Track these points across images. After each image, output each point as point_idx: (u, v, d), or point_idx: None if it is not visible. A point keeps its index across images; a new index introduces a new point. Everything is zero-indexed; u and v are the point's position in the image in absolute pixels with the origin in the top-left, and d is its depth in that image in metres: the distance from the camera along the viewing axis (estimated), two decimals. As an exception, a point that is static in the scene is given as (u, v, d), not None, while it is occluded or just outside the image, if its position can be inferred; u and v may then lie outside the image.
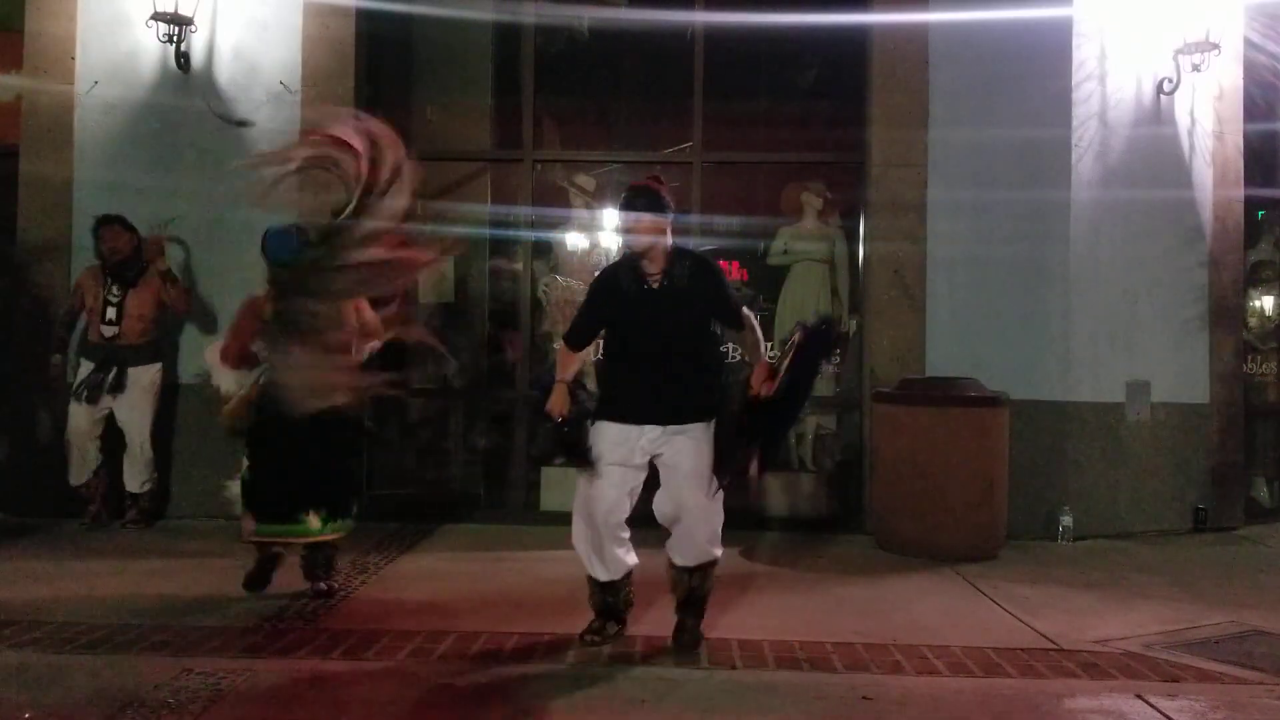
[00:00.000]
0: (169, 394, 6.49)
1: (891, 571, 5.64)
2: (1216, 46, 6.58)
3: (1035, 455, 6.47)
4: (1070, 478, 6.55)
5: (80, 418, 6.22)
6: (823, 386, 7.31)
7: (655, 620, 4.42)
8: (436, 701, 3.54)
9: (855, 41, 6.77)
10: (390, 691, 3.58)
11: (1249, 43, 6.99)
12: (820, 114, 7.64)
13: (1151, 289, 6.76)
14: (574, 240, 7.50)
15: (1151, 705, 3.59)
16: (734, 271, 9.42)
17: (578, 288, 7.32)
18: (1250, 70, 7.05)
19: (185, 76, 6.61)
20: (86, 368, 6.24)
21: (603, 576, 4.14)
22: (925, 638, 4.32)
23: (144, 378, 6.31)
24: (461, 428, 7.57)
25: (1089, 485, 6.60)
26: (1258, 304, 7.88)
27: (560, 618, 4.40)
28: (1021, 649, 4.21)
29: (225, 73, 6.66)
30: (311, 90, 6.66)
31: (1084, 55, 6.58)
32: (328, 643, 4.09)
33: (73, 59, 6.66)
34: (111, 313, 6.25)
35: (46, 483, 6.43)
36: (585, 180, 7.47)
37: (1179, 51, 6.63)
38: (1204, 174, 6.88)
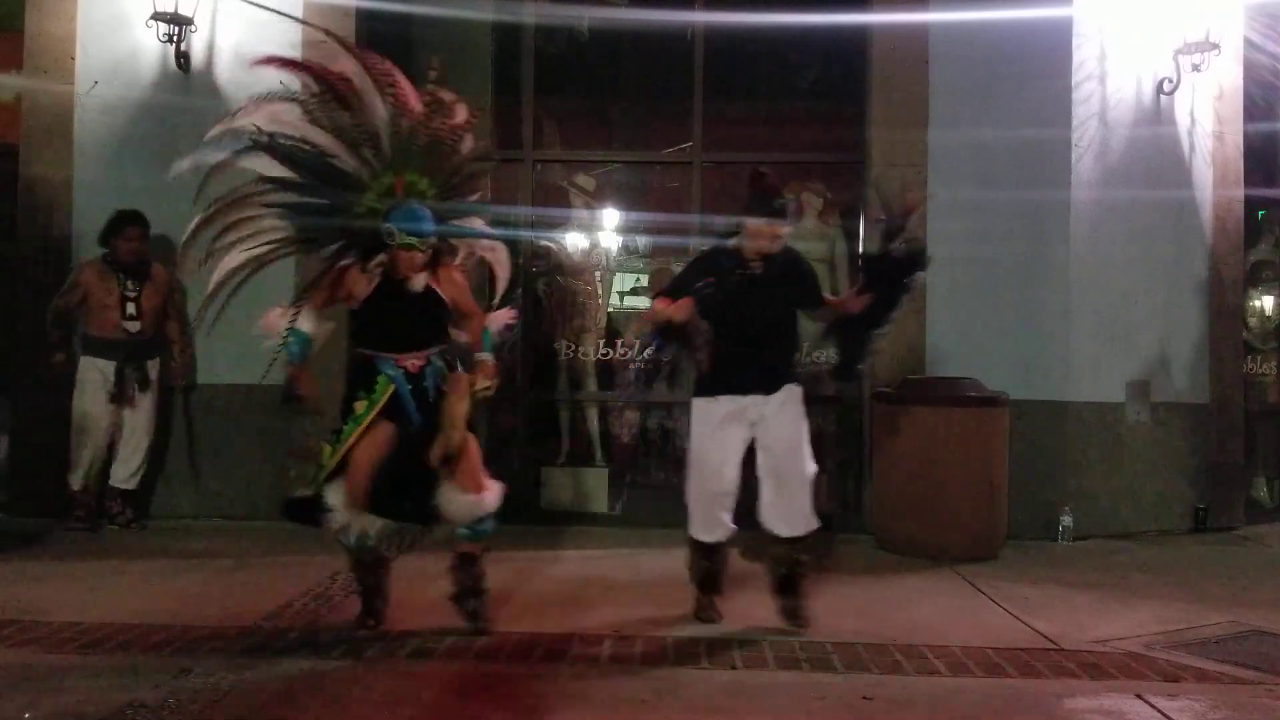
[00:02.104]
0: (165, 390, 6.48)
1: (891, 571, 5.64)
2: (1216, 46, 6.58)
3: (1035, 455, 6.47)
4: (1070, 478, 6.55)
5: (103, 418, 6.14)
6: (823, 387, 7.31)
7: (655, 620, 4.43)
8: (436, 702, 3.53)
9: (855, 41, 6.77)
10: (390, 692, 3.58)
11: (1249, 43, 6.99)
12: (820, 114, 7.64)
13: (1151, 289, 6.76)
14: (574, 240, 7.50)
15: (1151, 705, 3.59)
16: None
17: (578, 287, 7.33)
18: (1250, 70, 7.05)
19: (185, 76, 6.60)
20: (105, 366, 6.13)
21: (703, 537, 4.43)
22: (925, 638, 4.32)
23: (153, 373, 6.29)
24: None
25: (1089, 485, 6.60)
26: (1258, 304, 7.88)
27: (561, 617, 4.40)
28: (1021, 649, 4.21)
29: (225, 73, 6.66)
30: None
31: (1084, 55, 6.58)
32: (328, 643, 4.09)
33: (73, 59, 6.66)
34: (132, 308, 6.18)
35: (47, 484, 6.39)
36: (585, 180, 7.47)
37: (1179, 51, 6.63)
38: (1204, 174, 6.88)
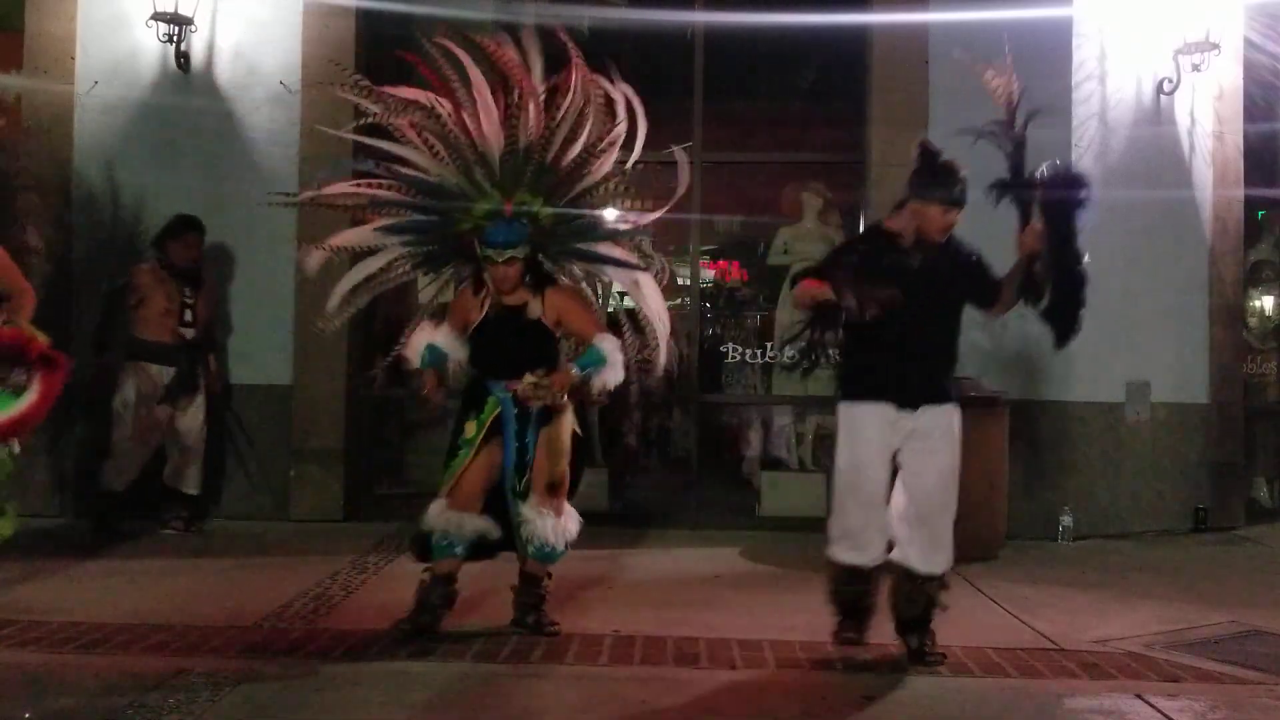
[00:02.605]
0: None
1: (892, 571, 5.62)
2: (1216, 46, 6.58)
3: (1035, 455, 6.47)
4: (1070, 478, 6.54)
5: (148, 422, 6.03)
6: (823, 387, 7.31)
7: (651, 620, 4.43)
8: (436, 702, 3.53)
9: (855, 41, 6.77)
10: (390, 692, 3.58)
11: (1249, 43, 6.99)
12: (820, 114, 7.64)
13: (1151, 289, 6.75)
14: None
15: (1151, 705, 3.58)
16: (734, 271, 9.46)
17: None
18: (1250, 70, 7.05)
19: (185, 76, 6.61)
20: (158, 371, 6.03)
21: (849, 559, 3.97)
22: (925, 638, 4.31)
23: (203, 378, 6.22)
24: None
25: (1089, 485, 6.60)
26: (1258, 304, 7.88)
27: (560, 617, 4.39)
28: (1021, 649, 4.21)
29: (225, 73, 6.66)
30: (312, 90, 6.66)
31: (1084, 55, 6.58)
32: (328, 643, 4.09)
33: (73, 59, 6.66)
34: (189, 314, 6.11)
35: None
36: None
37: (1179, 51, 6.63)
38: (1204, 174, 6.88)
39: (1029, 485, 6.41)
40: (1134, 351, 6.71)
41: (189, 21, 6.51)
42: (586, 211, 4.31)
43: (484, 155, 4.13)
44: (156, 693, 3.47)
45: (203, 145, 6.62)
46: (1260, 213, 7.73)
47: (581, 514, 4.28)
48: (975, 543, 5.91)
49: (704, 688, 3.71)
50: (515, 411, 4.16)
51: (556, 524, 4.13)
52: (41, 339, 4.30)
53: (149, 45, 6.57)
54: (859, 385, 3.98)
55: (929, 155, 4.07)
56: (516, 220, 4.14)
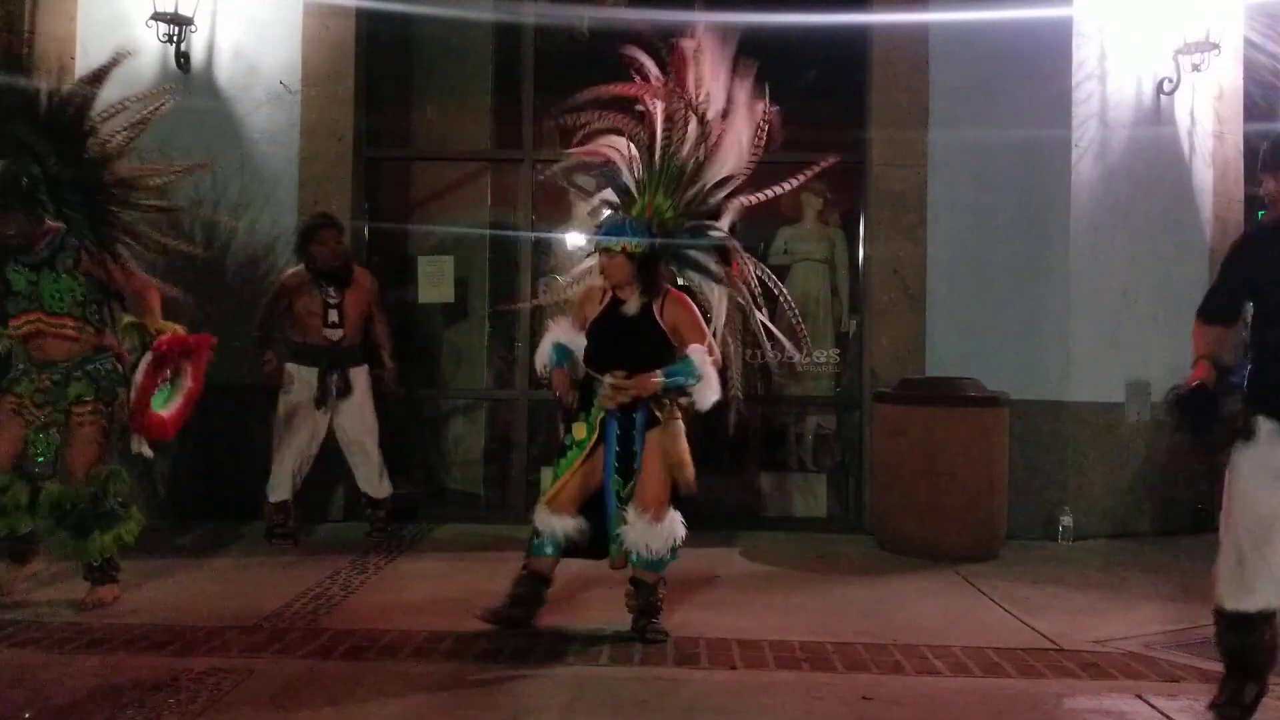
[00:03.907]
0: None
1: (892, 571, 5.64)
2: (1216, 46, 6.58)
3: (1035, 455, 6.47)
4: (1070, 478, 6.54)
5: (305, 424, 5.99)
6: (823, 386, 7.33)
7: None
8: (437, 702, 3.53)
9: (855, 41, 6.77)
10: (390, 692, 3.58)
11: (1249, 43, 6.99)
12: (820, 114, 7.63)
13: (1151, 289, 6.75)
14: (574, 240, 7.49)
15: (1151, 705, 3.59)
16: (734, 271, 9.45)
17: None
18: (1250, 70, 7.05)
19: (185, 76, 6.60)
20: (309, 373, 5.98)
21: (1225, 604, 3.34)
22: (925, 638, 4.32)
23: (361, 379, 6.10)
24: (462, 427, 7.57)
25: (1089, 485, 6.60)
26: (1258, 304, 7.86)
27: (560, 618, 4.40)
28: (1021, 649, 4.21)
29: (225, 73, 6.66)
30: (311, 90, 6.67)
31: (1084, 55, 6.58)
32: (328, 643, 4.09)
33: (73, 59, 6.65)
34: (334, 315, 6.00)
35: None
36: (585, 180, 7.45)
37: (1179, 51, 6.63)
38: (1204, 174, 6.88)
39: (1029, 485, 6.41)
40: (1134, 351, 6.70)
41: (189, 21, 6.52)
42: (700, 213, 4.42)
43: (651, 162, 4.36)
44: (156, 693, 3.48)
45: (203, 145, 6.60)
46: (1260, 213, 7.71)
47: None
48: (975, 543, 5.93)
49: (704, 688, 3.71)
50: (618, 416, 4.17)
51: (657, 531, 4.10)
52: (181, 329, 4.44)
53: (149, 45, 6.57)
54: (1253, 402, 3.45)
55: None
56: (633, 220, 4.24)
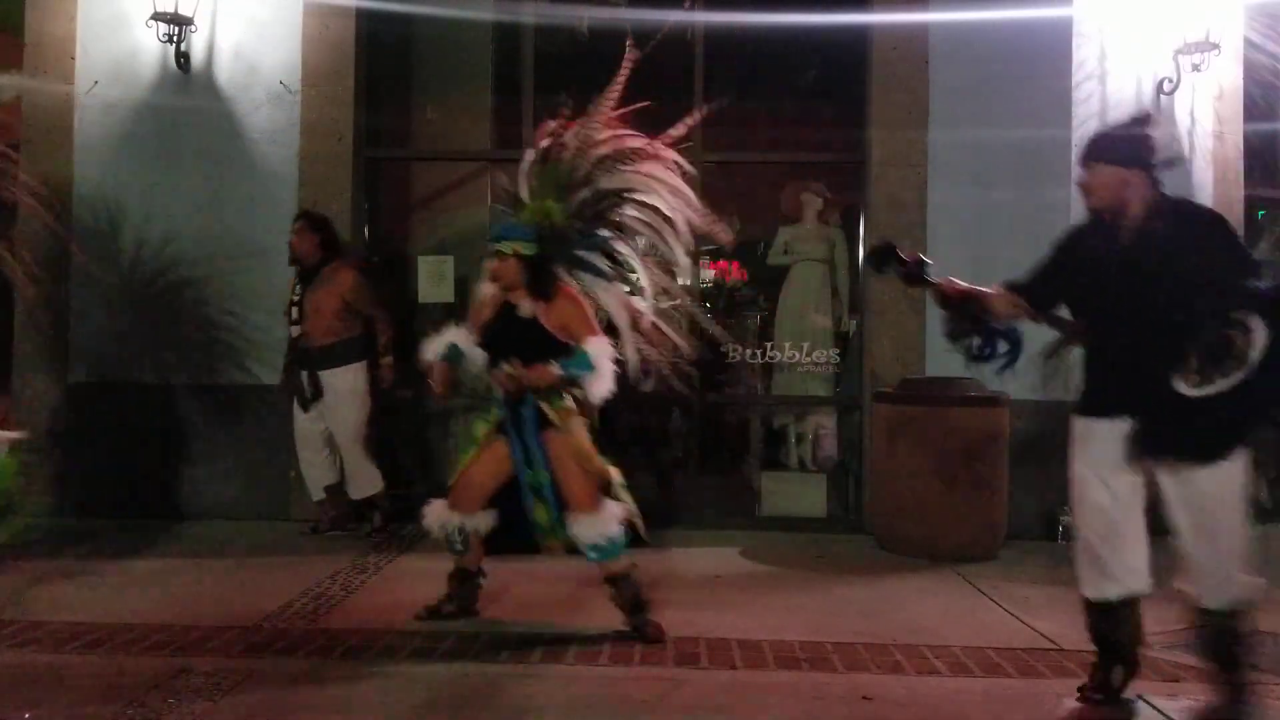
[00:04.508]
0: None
1: (891, 571, 5.64)
2: (1216, 46, 6.58)
3: (1035, 455, 6.46)
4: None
5: (300, 426, 6.13)
6: (823, 387, 7.32)
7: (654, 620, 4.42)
8: (437, 702, 3.53)
9: (855, 41, 6.76)
10: (390, 692, 3.58)
11: (1249, 43, 6.98)
12: (820, 114, 7.64)
13: (1151, 289, 6.75)
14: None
15: (1151, 705, 3.59)
16: (734, 271, 9.45)
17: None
18: (1250, 70, 7.04)
19: (185, 76, 6.61)
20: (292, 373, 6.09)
21: (1085, 593, 3.58)
22: (925, 638, 4.32)
23: (335, 381, 5.99)
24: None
25: (1089, 485, 6.58)
26: (1258, 304, 7.85)
27: (560, 618, 4.40)
28: (1021, 649, 4.21)
29: (225, 73, 6.66)
30: (311, 90, 6.67)
31: (1084, 55, 6.59)
32: (328, 643, 4.09)
33: (73, 59, 6.66)
34: (295, 311, 6.04)
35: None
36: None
37: (1179, 51, 6.63)
38: (1204, 174, 6.87)
39: (1029, 485, 6.40)
40: (1134, 351, 6.70)
41: (189, 21, 6.52)
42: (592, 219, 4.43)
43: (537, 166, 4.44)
44: (156, 693, 3.48)
45: (203, 145, 6.62)
46: (1260, 212, 7.72)
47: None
48: (975, 543, 5.93)
49: (704, 687, 3.71)
50: (508, 413, 4.24)
51: (594, 521, 4.16)
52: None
53: (149, 45, 6.58)
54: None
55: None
56: (520, 223, 4.29)
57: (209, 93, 6.63)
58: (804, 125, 7.77)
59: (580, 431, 4.27)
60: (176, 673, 3.67)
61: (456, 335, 4.41)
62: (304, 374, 6.01)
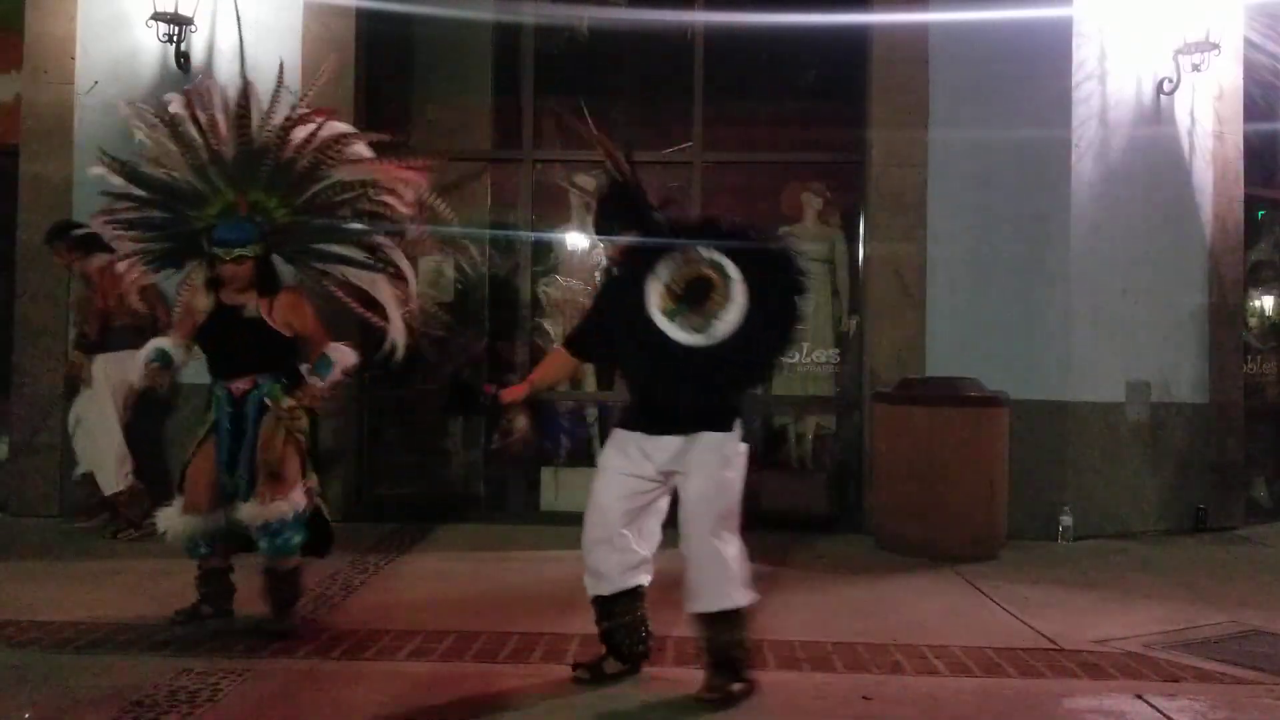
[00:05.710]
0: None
1: (891, 571, 5.63)
2: (1216, 46, 6.58)
3: (1035, 455, 6.47)
4: (1070, 478, 6.54)
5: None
6: (823, 387, 7.32)
7: (654, 620, 4.42)
8: (437, 702, 3.53)
9: (855, 41, 6.77)
10: (390, 692, 3.58)
11: (1249, 43, 7.00)
12: (820, 114, 7.64)
13: (1151, 289, 6.76)
14: (574, 240, 7.50)
15: (1151, 705, 3.59)
16: (734, 271, 9.44)
17: (577, 288, 7.33)
18: (1250, 70, 7.05)
19: (185, 76, 6.59)
20: None
21: (594, 590, 3.73)
22: (925, 638, 4.32)
23: (92, 373, 6.00)
24: (461, 427, 7.57)
25: (1089, 485, 6.60)
26: (1258, 304, 7.88)
27: (560, 618, 4.39)
28: (1021, 649, 4.21)
29: (225, 73, 6.64)
30: (311, 90, 6.64)
31: (1084, 55, 6.59)
32: (328, 643, 4.09)
33: (73, 59, 6.66)
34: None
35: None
36: (585, 180, 7.47)
37: (1179, 51, 6.64)
38: (1204, 174, 6.88)
39: (1029, 485, 6.41)
40: (1134, 351, 6.71)
41: (189, 21, 6.51)
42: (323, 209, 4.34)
43: (218, 154, 4.22)
44: (156, 693, 3.48)
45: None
46: (1260, 212, 7.73)
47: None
48: (975, 543, 5.93)
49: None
50: (230, 411, 4.21)
51: (277, 506, 4.08)
52: None
53: (149, 45, 6.57)
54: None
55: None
56: (248, 220, 4.20)
57: (209, 93, 6.63)
58: (804, 125, 7.77)
59: (302, 423, 4.23)
60: (176, 673, 3.67)
61: (166, 342, 4.32)
62: None
